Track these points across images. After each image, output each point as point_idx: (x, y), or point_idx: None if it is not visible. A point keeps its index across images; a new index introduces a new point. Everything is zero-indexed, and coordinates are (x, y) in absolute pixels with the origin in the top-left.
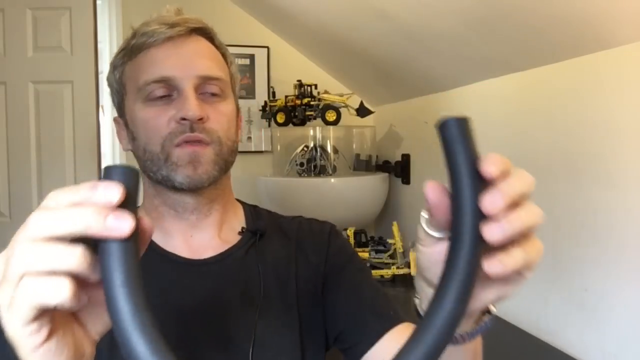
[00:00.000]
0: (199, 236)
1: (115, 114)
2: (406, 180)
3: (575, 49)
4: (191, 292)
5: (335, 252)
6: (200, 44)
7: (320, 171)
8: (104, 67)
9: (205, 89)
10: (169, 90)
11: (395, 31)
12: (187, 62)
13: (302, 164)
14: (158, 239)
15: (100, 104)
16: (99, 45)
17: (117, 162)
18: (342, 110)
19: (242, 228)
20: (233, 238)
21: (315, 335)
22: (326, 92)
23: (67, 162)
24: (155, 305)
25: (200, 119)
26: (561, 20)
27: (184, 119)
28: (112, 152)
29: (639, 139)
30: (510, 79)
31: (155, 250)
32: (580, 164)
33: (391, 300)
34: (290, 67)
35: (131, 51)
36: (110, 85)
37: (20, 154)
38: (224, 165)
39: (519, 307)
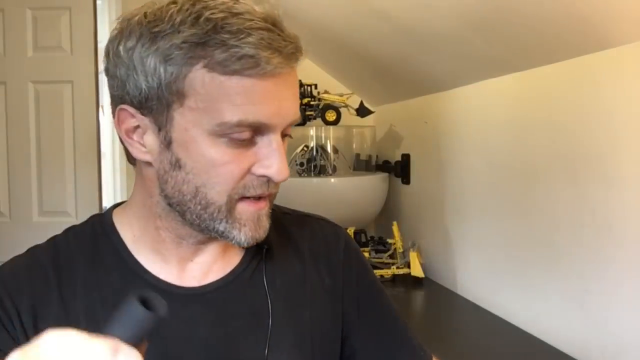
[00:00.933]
0: (200, 260)
1: (125, 105)
2: (406, 180)
3: (575, 49)
4: (191, 327)
5: (354, 274)
6: (296, 79)
7: (320, 171)
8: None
9: (284, 131)
10: (254, 133)
11: (395, 31)
12: (287, 107)
13: (302, 164)
14: (150, 264)
15: (100, 104)
16: (99, 45)
17: (117, 162)
18: (342, 110)
19: None
20: (236, 255)
21: None
22: (326, 92)
23: (67, 162)
24: (152, 343)
25: None
26: (561, 20)
27: (264, 176)
28: (112, 152)
29: (638, 138)
30: (510, 79)
31: (147, 280)
32: (580, 164)
33: (411, 328)
34: None
35: (216, 62)
36: (143, 71)
37: (20, 154)
38: None
39: (519, 307)
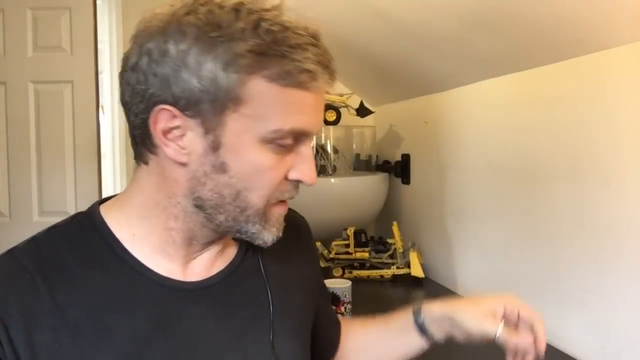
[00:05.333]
0: (203, 257)
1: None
2: (406, 180)
3: (575, 49)
4: (200, 321)
5: (317, 259)
6: None
7: (320, 171)
8: (104, 67)
9: None
10: (294, 141)
11: (395, 31)
12: (321, 117)
13: None
14: (151, 262)
15: (100, 104)
16: (99, 45)
17: (117, 163)
18: (342, 110)
19: None
20: (232, 248)
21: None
22: (326, 92)
23: (67, 162)
24: (159, 338)
25: None
26: (561, 20)
27: (299, 181)
28: (112, 152)
29: (638, 139)
30: (510, 79)
31: (152, 278)
32: (580, 164)
33: None
34: None
35: (277, 74)
36: (197, 74)
37: (20, 154)
38: None
39: None
